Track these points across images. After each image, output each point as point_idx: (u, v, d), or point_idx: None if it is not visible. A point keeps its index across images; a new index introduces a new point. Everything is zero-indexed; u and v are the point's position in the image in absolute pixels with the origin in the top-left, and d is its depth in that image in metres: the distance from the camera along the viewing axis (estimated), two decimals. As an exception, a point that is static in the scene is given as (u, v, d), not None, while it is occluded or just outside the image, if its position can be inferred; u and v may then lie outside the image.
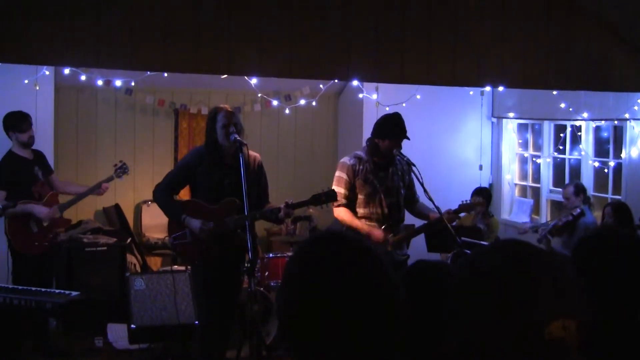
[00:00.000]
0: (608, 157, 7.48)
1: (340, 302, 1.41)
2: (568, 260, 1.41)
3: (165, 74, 7.37)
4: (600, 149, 7.69)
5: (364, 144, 5.69)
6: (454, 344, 1.38)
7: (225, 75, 6.76)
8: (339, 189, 5.46)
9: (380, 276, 1.47)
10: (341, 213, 5.56)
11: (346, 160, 5.62)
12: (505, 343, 1.30)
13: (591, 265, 2.22)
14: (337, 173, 5.61)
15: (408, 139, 5.52)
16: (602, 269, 2.19)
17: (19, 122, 6.46)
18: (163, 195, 5.28)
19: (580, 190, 6.82)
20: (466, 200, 5.88)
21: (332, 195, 5.20)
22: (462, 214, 5.99)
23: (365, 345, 1.41)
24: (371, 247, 1.54)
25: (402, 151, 5.59)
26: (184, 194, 6.00)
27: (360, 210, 5.56)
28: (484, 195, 7.70)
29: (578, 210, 6.50)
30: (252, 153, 5.26)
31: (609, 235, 2.29)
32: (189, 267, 6.15)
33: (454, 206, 5.80)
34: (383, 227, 5.52)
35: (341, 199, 5.49)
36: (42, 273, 6.50)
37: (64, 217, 6.75)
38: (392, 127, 5.50)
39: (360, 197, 5.55)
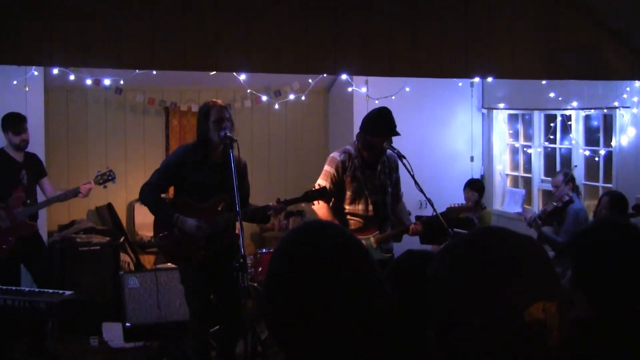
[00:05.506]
0: (598, 146, 7.49)
1: (325, 297, 1.40)
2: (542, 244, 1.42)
3: (154, 72, 7.36)
4: (591, 138, 7.70)
5: (354, 137, 5.66)
6: (433, 332, 1.38)
7: (215, 72, 6.75)
8: (325, 183, 5.43)
9: (367, 270, 1.45)
10: (322, 209, 5.47)
11: (336, 155, 5.58)
12: (486, 327, 1.31)
13: (589, 258, 2.22)
14: (326, 167, 5.56)
15: (398, 134, 5.43)
16: (600, 263, 2.19)
17: (13, 123, 6.46)
18: (152, 195, 5.16)
19: (569, 178, 6.83)
20: (454, 204, 5.76)
21: (323, 193, 5.19)
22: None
23: (353, 341, 1.40)
24: (355, 238, 1.52)
25: (393, 144, 5.57)
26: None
27: (347, 207, 5.54)
28: (477, 187, 7.72)
29: (567, 197, 6.50)
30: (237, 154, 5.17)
31: (607, 228, 2.29)
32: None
33: (446, 198, 5.81)
34: (374, 234, 5.54)
35: None
36: (6, 278, 6.13)
37: (29, 222, 6.36)
38: (380, 124, 5.41)
39: (348, 193, 5.52)
